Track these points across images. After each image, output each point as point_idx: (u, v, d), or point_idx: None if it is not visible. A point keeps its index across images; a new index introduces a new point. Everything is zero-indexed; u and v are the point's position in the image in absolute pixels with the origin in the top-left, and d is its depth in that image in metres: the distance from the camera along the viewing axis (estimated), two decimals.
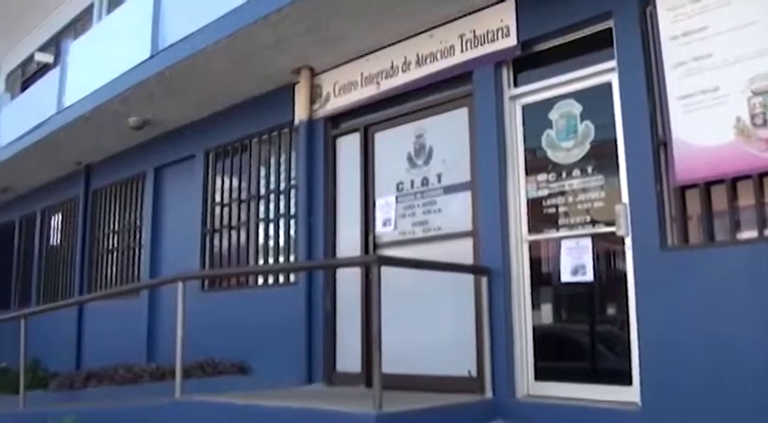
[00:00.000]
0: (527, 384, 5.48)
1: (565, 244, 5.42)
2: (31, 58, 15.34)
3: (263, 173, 8.53)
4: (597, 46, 5.39)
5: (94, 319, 11.15)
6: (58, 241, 13.42)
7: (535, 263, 5.69)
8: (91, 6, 13.12)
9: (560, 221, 5.51)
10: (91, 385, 8.74)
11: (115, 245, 11.35)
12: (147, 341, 9.67)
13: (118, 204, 11.40)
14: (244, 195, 8.74)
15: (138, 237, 10.74)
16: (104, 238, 11.65)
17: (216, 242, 9.03)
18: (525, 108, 5.86)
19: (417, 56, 6.58)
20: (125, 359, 9.09)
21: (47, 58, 14.41)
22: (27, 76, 15.96)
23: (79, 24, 13.55)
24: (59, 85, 11.24)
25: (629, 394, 4.84)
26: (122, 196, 11.29)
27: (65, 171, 12.53)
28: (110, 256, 11.44)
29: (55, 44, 14.33)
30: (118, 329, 10.27)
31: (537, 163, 5.71)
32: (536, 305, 5.62)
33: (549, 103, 5.66)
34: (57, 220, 13.57)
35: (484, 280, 5.68)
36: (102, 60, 9.93)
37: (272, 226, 8.30)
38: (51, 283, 13.29)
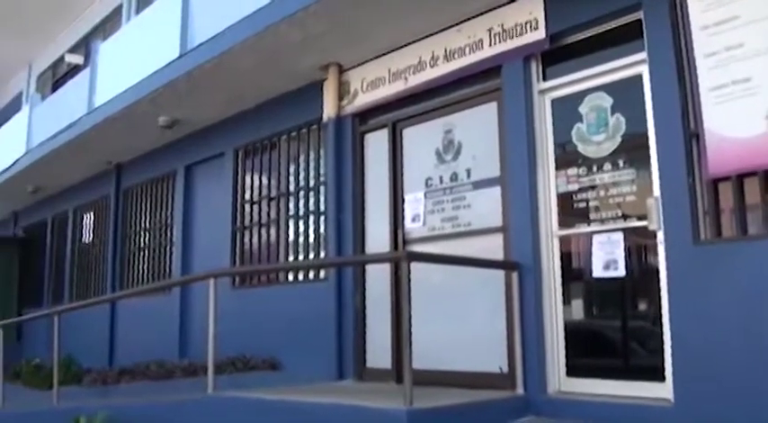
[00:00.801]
0: (558, 381, 5.43)
1: (596, 239, 5.36)
2: (61, 59, 15.53)
3: (292, 170, 8.56)
4: (627, 38, 5.32)
5: (127, 316, 11.28)
6: (90, 239, 13.60)
7: (566, 258, 5.64)
8: (120, 7, 13.25)
9: (591, 216, 5.44)
10: (124, 381, 8.84)
11: (146, 243, 11.48)
12: (178, 337, 9.77)
13: (149, 203, 11.52)
14: (273, 193, 8.78)
15: (169, 234, 10.85)
16: (136, 236, 11.78)
17: (246, 239, 9.09)
18: (555, 102, 5.80)
19: (445, 51, 6.55)
20: (157, 355, 9.19)
21: (77, 59, 14.58)
22: (57, 77, 16.16)
23: (108, 25, 13.68)
24: (90, 86, 11.38)
25: (662, 391, 4.78)
26: (153, 195, 11.41)
27: (96, 170, 12.69)
28: (141, 254, 11.57)
29: (84, 45, 14.50)
30: (150, 326, 10.39)
31: (567, 157, 5.65)
32: (567, 301, 5.57)
33: (579, 96, 5.60)
34: (88, 219, 13.75)
35: (514, 275, 5.64)
36: (131, 61, 10.04)
37: (301, 223, 8.34)
38: (84, 281, 13.48)
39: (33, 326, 13.87)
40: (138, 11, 12.10)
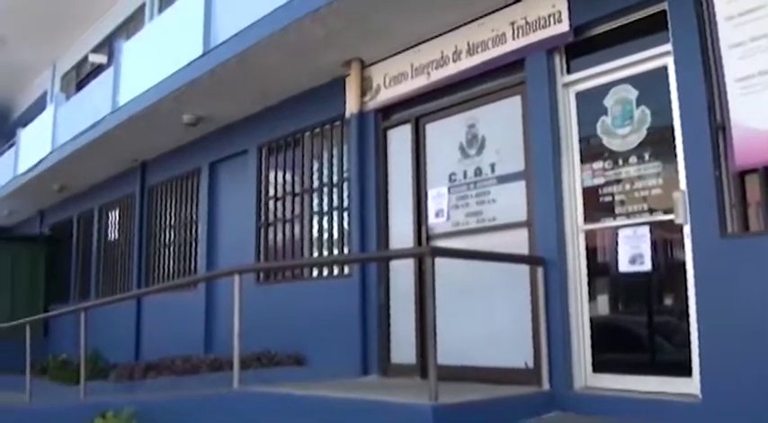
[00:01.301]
0: (584, 376, 5.40)
1: (622, 233, 5.32)
2: (85, 59, 15.65)
3: (315, 166, 8.59)
4: (651, 29, 5.27)
5: (153, 312, 11.38)
6: (116, 237, 13.73)
7: (591, 252, 5.59)
8: (143, 7, 13.33)
9: (617, 210, 5.40)
10: (150, 376, 8.93)
11: (172, 239, 11.57)
12: (204, 333, 9.85)
13: (174, 200, 11.61)
14: (297, 189, 8.81)
15: (194, 231, 10.92)
16: (161, 233, 11.88)
17: (270, 235, 9.13)
18: (579, 95, 5.76)
19: (468, 45, 6.53)
20: (183, 351, 9.27)
21: (100, 58, 14.68)
22: (81, 76, 16.28)
23: (131, 25, 13.77)
24: (113, 85, 11.46)
25: (689, 386, 4.74)
26: (178, 192, 11.49)
27: (121, 168, 12.81)
28: (166, 251, 11.66)
29: (108, 45, 14.60)
30: (175, 322, 10.47)
31: (592, 151, 5.61)
32: (593, 296, 5.53)
33: (604, 89, 5.55)
34: (114, 217, 13.88)
35: (539, 270, 5.62)
36: (154, 59, 10.10)
37: (325, 219, 8.35)
38: (110, 278, 13.62)
39: (60, 322, 14.03)
40: (160, 10, 12.16)
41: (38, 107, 17.83)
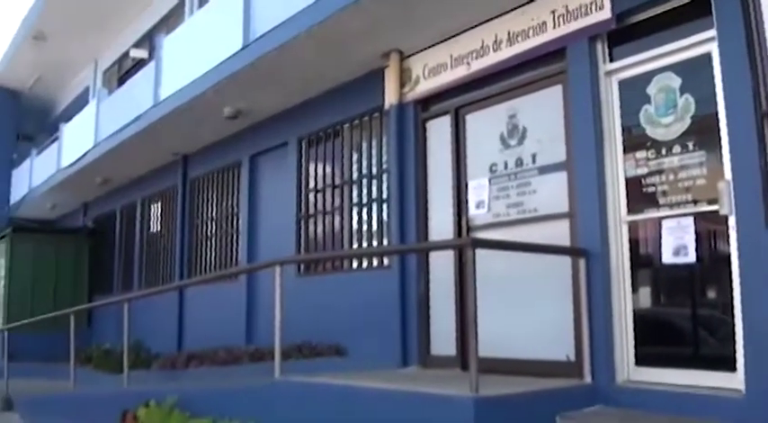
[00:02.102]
0: (627, 369, 5.33)
1: (665, 224, 5.22)
2: (126, 54, 15.83)
3: (354, 158, 8.61)
4: (695, 15, 5.15)
5: (195, 303, 11.52)
6: (158, 229, 13.92)
7: (634, 244, 5.51)
8: (182, 1, 13.43)
9: (660, 201, 5.30)
10: (192, 366, 9.04)
11: (213, 231, 11.70)
12: (245, 324, 9.95)
13: (215, 192, 11.73)
14: (337, 181, 8.85)
15: (235, 223, 11.03)
16: (203, 226, 12.01)
17: (310, 227, 9.18)
18: (621, 83, 5.67)
19: (508, 34, 6.47)
20: (224, 341, 9.37)
21: (141, 53, 14.84)
22: (123, 71, 16.48)
23: (171, 20, 13.88)
24: (155, 79, 11.57)
25: (733, 381, 4.65)
26: (219, 184, 11.61)
27: (163, 162, 12.97)
28: (208, 243, 11.80)
29: (149, 40, 14.77)
30: (217, 312, 10.59)
31: (635, 140, 5.52)
32: (636, 288, 5.45)
33: (647, 77, 5.45)
34: (156, 209, 14.06)
35: (582, 262, 5.56)
36: (195, 53, 10.17)
37: (364, 210, 8.37)
38: (152, 269, 13.81)
39: (103, 313, 14.27)
40: (200, 4, 12.25)
41: (80, 102, 18.08)
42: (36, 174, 18.15)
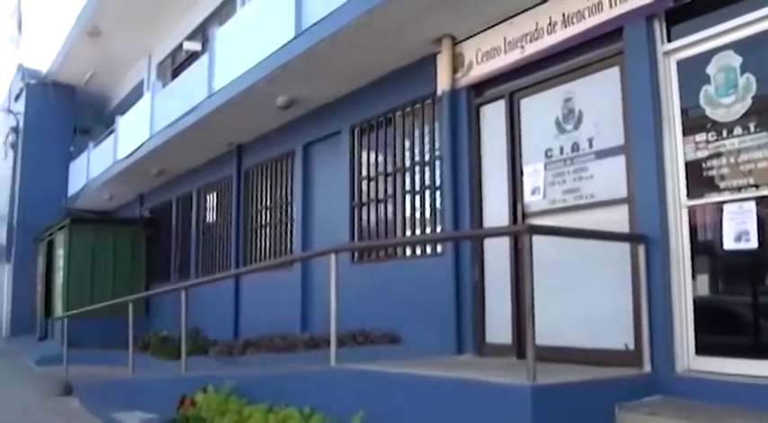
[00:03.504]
0: (687, 359, 5.18)
1: (727, 209, 5.06)
2: (179, 47, 16.05)
3: (407, 145, 8.59)
4: None
5: (250, 291, 11.68)
6: (214, 218, 14.12)
7: (694, 230, 5.34)
8: None
9: (721, 184, 5.13)
10: (248, 353, 9.17)
11: (268, 220, 11.83)
12: (300, 311, 10.04)
13: (269, 182, 11.85)
14: (389, 168, 8.84)
15: (289, 212, 11.12)
16: (257, 215, 12.15)
17: (363, 215, 9.19)
18: (680, 63, 5.49)
19: (563, 15, 6.34)
20: (280, 328, 9.48)
21: (195, 46, 15.02)
22: (177, 64, 16.72)
23: (224, 12, 14.02)
24: (208, 71, 11.71)
25: None
26: (273, 174, 11.72)
27: (217, 152, 13.14)
28: (263, 231, 11.93)
29: (201, 32, 14.93)
30: (273, 300, 10.71)
31: (695, 122, 5.34)
32: (696, 275, 5.29)
33: (706, 56, 5.26)
34: (212, 199, 14.26)
35: (641, 248, 5.43)
36: (247, 44, 10.25)
37: (417, 198, 8.34)
38: (208, 258, 14.04)
39: (160, 301, 14.57)
40: None
41: (135, 95, 18.44)
42: (93, 166, 18.60)
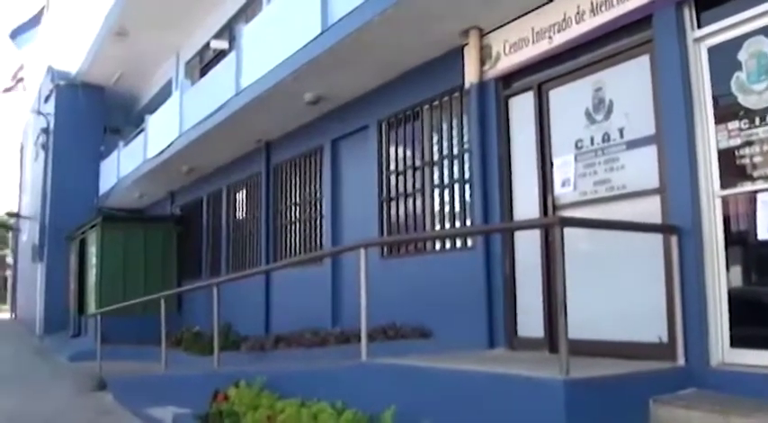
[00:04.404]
0: (721, 351, 5.09)
1: (761, 198, 4.96)
2: (207, 45, 16.14)
3: (435, 139, 8.56)
4: None
5: (281, 287, 11.73)
6: (244, 215, 14.20)
7: (728, 220, 5.25)
8: None
9: (755, 173, 5.03)
10: (280, 348, 9.21)
11: (297, 216, 11.86)
12: (331, 306, 10.07)
13: (298, 178, 11.89)
14: (418, 162, 8.82)
15: (318, 208, 11.15)
16: (287, 211, 12.20)
17: (392, 210, 9.18)
18: (711, 50, 5.38)
19: (591, 4, 6.26)
20: (310, 324, 9.51)
21: (222, 44, 15.09)
22: (204, 62, 16.82)
23: (250, 9, 14.07)
24: (236, 68, 11.76)
25: None
26: (302, 170, 11.76)
27: (246, 149, 13.21)
28: (292, 227, 11.98)
29: (228, 30, 15.00)
30: (303, 296, 10.75)
31: (727, 110, 5.24)
32: (730, 266, 5.19)
33: (737, 42, 5.15)
34: (241, 196, 14.35)
35: (673, 240, 5.35)
36: (274, 41, 10.28)
37: (446, 191, 8.31)
38: (239, 254, 14.13)
39: (192, 297, 14.69)
40: None
41: (164, 94, 18.58)
42: (123, 165, 18.80)
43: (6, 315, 36.35)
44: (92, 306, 16.80)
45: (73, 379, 11.86)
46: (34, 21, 22.43)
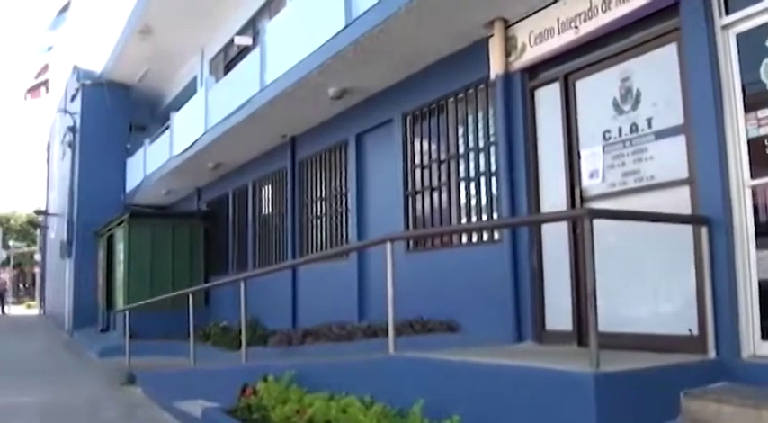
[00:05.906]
0: (753, 344, 5.01)
1: None
2: (231, 42, 16.20)
3: (460, 132, 8.52)
4: None
5: (307, 281, 11.77)
6: (270, 210, 14.26)
7: (758, 210, 5.15)
8: None
9: None
10: (307, 342, 9.25)
11: (323, 211, 11.88)
12: (357, 300, 10.08)
13: (323, 172, 11.92)
14: (443, 156, 8.78)
15: (343, 202, 11.16)
16: (312, 205, 12.22)
17: (418, 204, 9.16)
18: (739, 37, 5.27)
19: None
20: (337, 318, 9.53)
21: (245, 40, 15.14)
22: (229, 59, 16.88)
23: (273, 5, 14.08)
24: (260, 64, 11.80)
25: None
26: (327, 164, 11.78)
27: (271, 144, 13.26)
28: (318, 222, 12.00)
29: (252, 27, 15.03)
30: (330, 290, 10.78)
31: (756, 98, 5.13)
32: (761, 257, 5.10)
33: (766, 28, 5.05)
34: (267, 191, 14.41)
35: (703, 231, 5.27)
36: (298, 36, 10.30)
37: (472, 184, 8.27)
38: (265, 249, 14.20)
39: (219, 292, 14.79)
40: None
41: (188, 91, 18.66)
42: (149, 162, 18.95)
43: (35, 311, 36.90)
44: (120, 301, 16.99)
45: (103, 373, 12.01)
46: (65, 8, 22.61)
